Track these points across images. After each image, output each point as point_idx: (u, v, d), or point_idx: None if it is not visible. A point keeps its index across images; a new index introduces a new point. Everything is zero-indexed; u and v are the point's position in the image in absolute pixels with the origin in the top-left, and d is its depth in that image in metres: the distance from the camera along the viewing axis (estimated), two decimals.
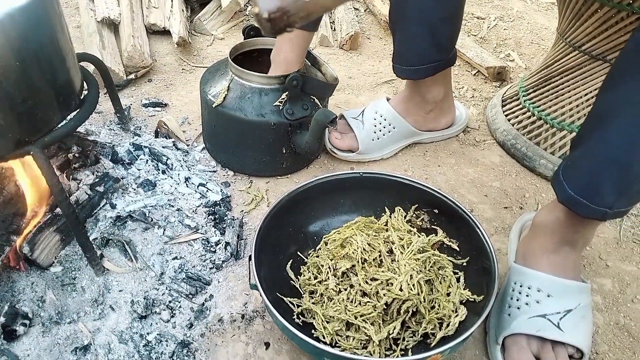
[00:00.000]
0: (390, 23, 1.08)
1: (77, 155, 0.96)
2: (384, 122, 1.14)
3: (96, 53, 1.29)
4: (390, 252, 0.82)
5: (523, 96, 1.21)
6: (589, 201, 0.74)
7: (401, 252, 0.81)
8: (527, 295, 0.79)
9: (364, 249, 0.81)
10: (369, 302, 0.75)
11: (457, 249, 0.87)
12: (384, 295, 0.75)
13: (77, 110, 0.81)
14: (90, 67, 1.06)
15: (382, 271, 0.78)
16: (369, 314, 0.74)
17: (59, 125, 0.77)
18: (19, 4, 0.65)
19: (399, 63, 1.09)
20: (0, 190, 0.87)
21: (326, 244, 0.88)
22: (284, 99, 0.99)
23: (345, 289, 0.78)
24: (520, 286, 0.81)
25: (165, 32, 1.52)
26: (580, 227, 0.80)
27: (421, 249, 0.83)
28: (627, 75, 0.70)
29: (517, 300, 0.80)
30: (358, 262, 0.79)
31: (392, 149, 1.17)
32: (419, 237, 0.86)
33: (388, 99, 1.18)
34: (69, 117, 0.80)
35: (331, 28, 1.65)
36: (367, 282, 0.77)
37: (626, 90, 0.70)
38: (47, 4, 0.70)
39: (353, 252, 0.81)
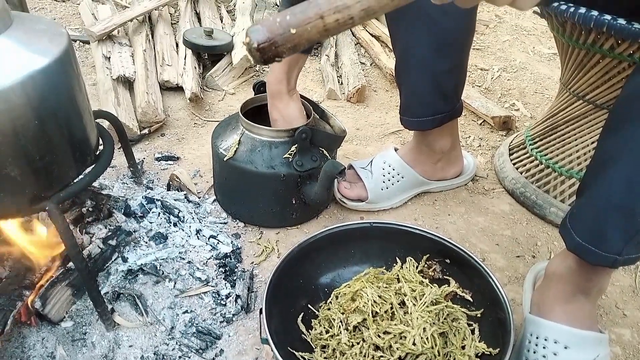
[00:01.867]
0: (396, 77, 1.11)
1: (90, 209, 0.97)
2: (393, 171, 1.15)
3: (111, 109, 1.33)
4: (403, 304, 0.81)
5: (530, 145, 1.22)
6: (597, 248, 0.74)
7: (414, 304, 0.80)
8: (544, 347, 0.78)
9: (374, 302, 0.80)
10: (382, 356, 0.74)
11: (471, 299, 0.86)
12: (397, 349, 0.73)
13: (93, 165, 0.83)
14: (106, 123, 1.09)
15: (395, 324, 0.77)
16: None
17: (75, 181, 0.79)
18: (40, 66, 0.68)
19: (406, 115, 1.11)
20: (13, 245, 0.88)
21: (337, 297, 0.87)
22: (293, 151, 1.00)
23: (358, 343, 0.77)
24: (537, 338, 0.79)
25: (178, 88, 1.57)
26: (592, 275, 0.79)
27: (434, 300, 0.82)
28: (625, 121, 0.71)
29: (534, 352, 0.78)
30: (369, 315, 0.78)
31: (401, 198, 1.18)
32: (432, 288, 0.85)
33: (396, 149, 1.20)
34: (84, 173, 0.82)
35: (338, 82, 1.70)
36: (379, 336, 0.76)
37: (625, 136, 0.71)
38: (66, 65, 0.73)
39: (364, 305, 0.80)
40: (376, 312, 0.80)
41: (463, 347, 0.78)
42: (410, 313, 0.78)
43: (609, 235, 0.73)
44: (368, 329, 0.77)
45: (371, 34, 1.96)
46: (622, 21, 0.86)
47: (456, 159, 1.21)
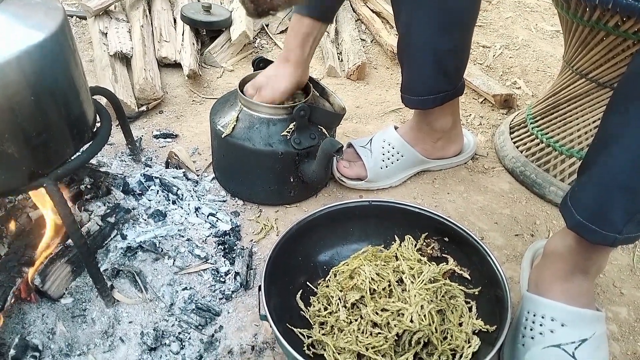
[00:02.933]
0: (398, 54, 1.10)
1: (89, 186, 0.97)
2: (392, 150, 1.15)
3: (109, 86, 1.31)
4: (400, 281, 0.82)
5: (531, 123, 1.21)
6: (597, 227, 0.74)
7: (412, 282, 0.80)
8: (540, 325, 0.78)
9: (372, 279, 0.81)
10: (380, 333, 0.75)
11: (469, 277, 0.87)
12: (395, 326, 0.74)
13: (90, 142, 0.83)
14: (103, 100, 1.08)
15: (393, 301, 0.77)
16: (381, 345, 0.74)
17: (72, 158, 0.79)
18: (35, 41, 0.67)
19: (407, 93, 1.10)
20: (13, 222, 0.88)
21: (335, 275, 0.87)
22: (291, 128, 1.00)
23: (356, 320, 0.78)
24: (534, 315, 0.80)
25: (176, 65, 1.55)
26: (591, 253, 0.79)
27: (432, 278, 0.82)
28: (629, 98, 0.70)
29: (531, 329, 0.79)
30: (367, 292, 0.79)
31: (400, 177, 1.18)
32: (430, 266, 0.86)
33: (396, 128, 1.19)
34: (82, 150, 0.81)
35: (338, 59, 1.68)
36: (377, 313, 0.76)
37: (629, 114, 0.70)
38: (62, 40, 0.72)
39: (361, 283, 0.80)
40: (374, 290, 0.80)
41: (460, 325, 0.79)
42: (408, 290, 0.79)
43: (610, 214, 0.73)
44: (366, 306, 0.78)
45: (372, 10, 1.93)
46: None
47: (456, 138, 1.21)
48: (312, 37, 1.02)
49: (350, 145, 1.19)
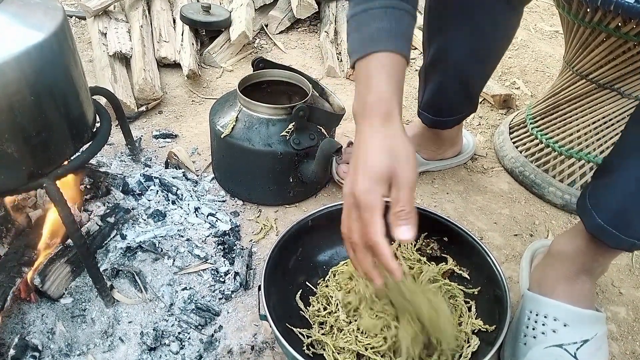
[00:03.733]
0: (423, 74, 1.07)
1: (88, 186, 0.97)
2: None
3: (108, 86, 1.31)
4: None
5: (531, 124, 1.21)
6: (618, 231, 0.73)
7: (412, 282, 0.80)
8: (543, 324, 0.78)
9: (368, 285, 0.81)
10: (378, 334, 0.75)
11: (468, 277, 0.87)
12: (395, 327, 0.74)
13: (90, 142, 0.83)
14: (103, 100, 1.08)
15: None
16: (380, 346, 0.74)
17: (72, 158, 0.79)
18: (35, 41, 0.67)
19: (428, 112, 1.10)
20: (13, 222, 0.88)
21: (334, 275, 0.87)
22: (290, 129, 1.00)
23: (356, 320, 0.78)
24: (536, 315, 0.80)
25: (176, 65, 1.55)
26: (600, 256, 0.79)
27: (432, 278, 0.82)
28: None
29: (533, 329, 0.79)
30: (365, 297, 0.79)
31: None
32: (429, 266, 0.86)
33: None
34: (81, 150, 0.81)
35: (338, 59, 1.68)
36: (377, 316, 0.76)
37: None
38: (62, 40, 0.72)
39: (360, 288, 0.80)
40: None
41: (460, 324, 0.79)
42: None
43: (633, 220, 0.72)
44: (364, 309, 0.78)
45: None
46: (629, 0, 0.85)
47: (457, 140, 1.21)
48: (402, 80, 0.68)
49: (350, 144, 1.19)
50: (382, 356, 0.73)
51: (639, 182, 0.71)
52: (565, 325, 0.77)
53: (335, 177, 1.15)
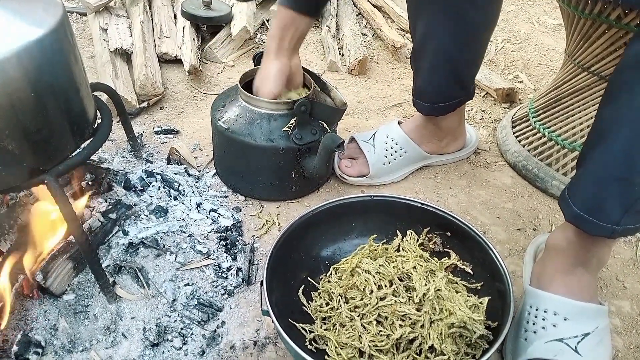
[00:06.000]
0: (412, 61, 1.09)
1: (90, 183, 0.97)
2: (396, 146, 1.15)
3: (109, 82, 1.31)
4: (401, 279, 0.82)
5: (533, 117, 1.21)
6: (594, 218, 0.74)
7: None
8: (543, 319, 0.78)
9: (373, 275, 0.81)
10: (381, 331, 0.75)
11: (471, 272, 0.87)
12: (400, 327, 0.74)
13: (91, 138, 0.83)
14: (104, 96, 1.08)
15: (397, 303, 0.77)
16: (384, 345, 0.73)
17: (73, 154, 0.79)
18: (35, 37, 0.66)
19: (420, 100, 1.11)
20: (15, 218, 0.88)
21: (336, 272, 0.87)
22: (292, 124, 0.99)
23: (359, 316, 0.77)
24: (536, 309, 0.80)
25: (177, 61, 1.55)
26: (591, 246, 0.79)
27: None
28: (624, 89, 0.70)
29: (534, 324, 0.79)
30: (366, 295, 0.79)
31: (402, 173, 1.17)
32: (432, 260, 0.86)
33: (399, 122, 1.19)
34: (82, 146, 0.81)
35: (339, 53, 1.67)
36: (380, 315, 0.76)
37: (623, 104, 0.70)
38: (62, 36, 0.72)
39: (361, 284, 0.80)
40: (378, 286, 0.80)
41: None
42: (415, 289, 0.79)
43: (606, 206, 0.73)
44: (366, 305, 0.78)
45: (373, 5, 1.92)
46: None
47: (460, 134, 1.21)
48: (292, 29, 0.99)
49: (352, 139, 1.18)
50: (385, 353, 0.73)
51: (608, 167, 0.72)
52: (565, 319, 0.77)
53: (337, 172, 1.15)
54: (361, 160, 1.15)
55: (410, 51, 1.09)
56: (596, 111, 0.78)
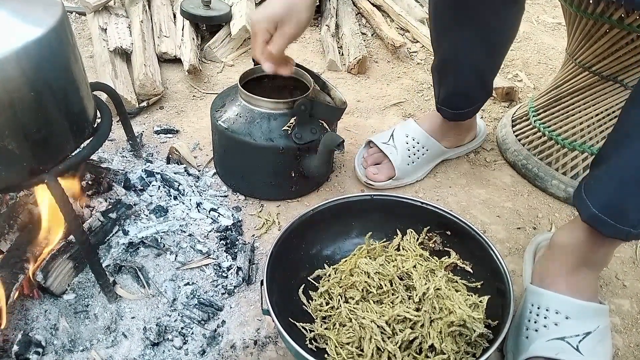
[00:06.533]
0: (436, 71, 1.11)
1: (90, 182, 0.97)
2: (417, 145, 1.15)
3: (109, 82, 1.31)
4: (401, 278, 0.82)
5: (533, 116, 1.21)
6: (613, 220, 0.73)
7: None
8: (545, 317, 0.78)
9: (368, 279, 0.81)
10: (383, 333, 0.75)
11: (471, 271, 0.87)
12: (401, 331, 0.74)
13: (91, 138, 0.83)
14: (103, 96, 1.08)
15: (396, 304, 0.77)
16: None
17: (73, 154, 0.79)
18: (34, 36, 0.66)
19: (447, 107, 1.12)
20: (15, 218, 0.88)
21: (335, 271, 0.87)
22: (292, 123, 0.99)
23: (358, 315, 0.77)
24: (538, 308, 0.80)
25: (177, 60, 1.55)
26: (600, 247, 0.79)
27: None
28: None
29: (535, 322, 0.79)
30: (364, 295, 0.79)
31: (425, 171, 1.18)
32: (432, 259, 0.86)
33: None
34: (82, 145, 0.81)
35: (339, 53, 1.67)
36: (382, 316, 0.76)
37: None
38: (61, 36, 0.72)
39: (359, 284, 0.80)
40: (379, 286, 0.80)
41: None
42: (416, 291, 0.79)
43: (628, 208, 0.72)
44: (367, 302, 0.78)
45: (372, 4, 1.92)
46: None
47: (474, 125, 1.24)
48: None
49: (371, 143, 1.18)
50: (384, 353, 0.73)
51: (632, 170, 0.71)
52: (567, 318, 0.77)
53: (363, 180, 1.15)
54: (386, 164, 1.14)
55: (433, 64, 1.11)
56: (620, 112, 0.76)
